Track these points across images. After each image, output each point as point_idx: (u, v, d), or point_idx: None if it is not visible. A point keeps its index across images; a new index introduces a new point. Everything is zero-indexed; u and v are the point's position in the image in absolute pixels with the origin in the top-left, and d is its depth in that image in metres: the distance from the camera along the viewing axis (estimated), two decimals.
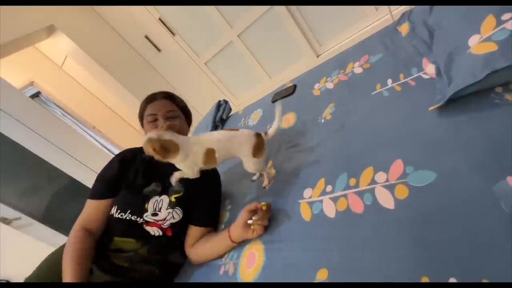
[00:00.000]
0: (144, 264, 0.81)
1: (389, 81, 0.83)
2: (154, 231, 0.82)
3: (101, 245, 0.81)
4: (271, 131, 0.84)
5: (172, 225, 0.84)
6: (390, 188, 0.56)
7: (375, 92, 0.85)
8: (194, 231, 0.87)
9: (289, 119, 1.11)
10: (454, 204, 0.46)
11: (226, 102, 1.78)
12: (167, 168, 0.82)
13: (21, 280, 0.85)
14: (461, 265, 0.40)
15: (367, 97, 0.86)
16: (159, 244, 0.83)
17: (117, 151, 3.43)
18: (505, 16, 0.55)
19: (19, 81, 3.14)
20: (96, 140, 3.41)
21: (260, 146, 0.81)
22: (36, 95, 3.27)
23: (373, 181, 0.60)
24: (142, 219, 0.81)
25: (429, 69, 0.73)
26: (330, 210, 0.63)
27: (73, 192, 2.32)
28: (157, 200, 0.83)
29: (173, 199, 0.85)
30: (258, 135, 0.82)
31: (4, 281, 1.60)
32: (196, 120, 1.93)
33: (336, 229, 0.58)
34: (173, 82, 2.90)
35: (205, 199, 0.90)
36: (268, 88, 2.35)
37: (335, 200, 0.63)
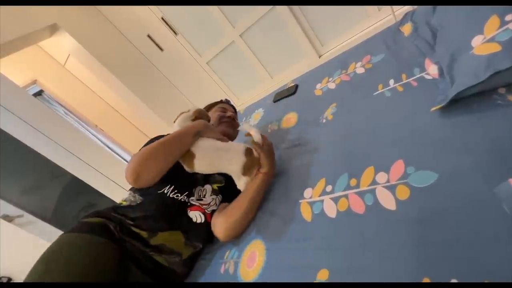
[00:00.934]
0: (183, 267, 0.81)
1: (391, 81, 0.83)
2: (196, 216, 0.82)
3: (141, 241, 0.75)
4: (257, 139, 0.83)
5: (212, 212, 0.86)
6: (391, 188, 0.55)
7: (377, 92, 0.85)
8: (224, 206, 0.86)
9: (291, 119, 1.11)
10: (455, 205, 0.46)
11: (228, 101, 1.78)
12: None
13: (23, 277, 0.83)
14: (463, 266, 0.39)
15: (369, 98, 0.86)
16: (197, 233, 0.82)
17: (119, 150, 3.45)
18: (509, 17, 0.54)
19: (22, 79, 3.16)
20: (98, 139, 3.42)
21: (251, 165, 0.79)
22: (39, 94, 3.29)
23: (374, 182, 0.59)
24: (189, 202, 0.83)
25: (432, 70, 0.72)
26: (331, 210, 0.63)
27: (75, 190, 2.33)
28: (200, 189, 0.86)
29: (215, 187, 0.89)
30: (249, 153, 0.80)
31: (6, 278, 1.61)
32: None
33: (337, 229, 0.58)
34: (175, 81, 2.91)
35: None
36: (270, 88, 2.35)
37: (336, 200, 0.63)
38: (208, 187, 0.88)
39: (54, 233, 2.08)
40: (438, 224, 0.45)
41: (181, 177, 0.83)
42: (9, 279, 1.63)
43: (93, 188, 2.31)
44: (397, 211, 0.52)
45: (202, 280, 0.79)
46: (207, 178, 0.90)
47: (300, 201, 0.72)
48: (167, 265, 0.77)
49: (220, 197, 0.89)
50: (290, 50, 2.26)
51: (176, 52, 2.61)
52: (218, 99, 1.78)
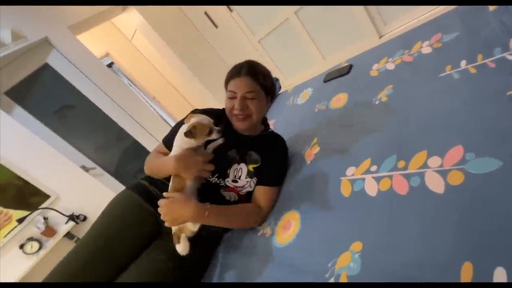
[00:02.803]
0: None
1: (463, 62, 0.75)
2: (230, 196, 0.86)
3: None
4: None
5: (247, 193, 0.88)
6: (443, 173, 0.53)
7: (443, 74, 0.77)
8: (263, 191, 0.86)
9: (340, 99, 1.09)
10: None
11: (276, 79, 1.79)
12: (244, 136, 0.90)
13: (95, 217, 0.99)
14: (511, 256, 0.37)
15: (432, 80, 0.79)
16: None
17: (171, 121, 3.77)
18: None
19: (97, 52, 3.60)
20: (154, 109, 3.78)
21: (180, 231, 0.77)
22: (109, 65, 3.73)
23: (425, 165, 0.57)
24: (223, 183, 0.84)
25: None
26: (371, 188, 0.62)
27: (135, 152, 2.66)
28: (236, 168, 0.85)
29: (251, 169, 0.86)
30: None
31: (83, 216, 1.97)
32: None
33: (376, 207, 0.58)
34: (226, 58, 3.00)
35: (270, 161, 0.90)
36: (321, 70, 2.27)
37: (378, 179, 0.63)
38: (243, 167, 0.86)
39: (117, 186, 2.44)
40: (490, 213, 0.43)
41: (215, 159, 0.81)
42: (85, 217, 2.00)
43: (150, 152, 2.61)
44: (445, 195, 0.49)
45: (240, 240, 0.86)
46: (243, 157, 0.86)
47: (341, 178, 0.73)
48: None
49: (255, 179, 0.86)
50: (348, 29, 2.11)
51: (229, 29, 2.67)
52: None
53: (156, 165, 0.86)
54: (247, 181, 0.86)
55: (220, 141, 0.85)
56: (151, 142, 2.65)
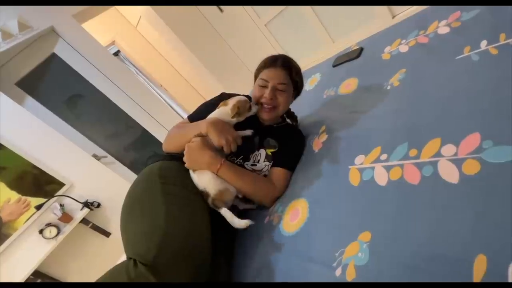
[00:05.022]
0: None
1: (483, 42, 0.70)
2: None
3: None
4: None
5: (264, 176, 0.89)
6: (458, 162, 0.50)
7: (461, 56, 0.73)
8: (276, 171, 0.88)
9: (350, 85, 1.05)
10: None
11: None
12: (265, 125, 0.94)
13: (108, 203, 1.01)
14: None
15: (449, 62, 0.74)
16: None
17: (179, 109, 3.78)
18: None
19: (103, 40, 3.58)
20: (162, 97, 3.78)
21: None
22: (116, 54, 3.72)
23: (438, 154, 0.55)
24: (244, 167, 0.89)
25: None
26: (381, 178, 0.61)
27: (144, 140, 2.70)
28: (256, 153, 0.90)
29: (269, 153, 0.90)
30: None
31: (97, 203, 2.04)
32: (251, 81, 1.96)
33: (386, 197, 0.57)
34: (232, 44, 2.93)
35: (292, 149, 0.93)
36: (330, 53, 2.19)
37: (388, 168, 0.61)
38: (262, 152, 0.90)
39: (128, 174, 2.50)
40: (507, 204, 0.41)
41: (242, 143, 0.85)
42: (99, 204, 2.07)
43: (158, 140, 2.65)
44: (459, 185, 0.47)
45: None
46: (261, 143, 0.91)
47: (349, 167, 0.71)
48: None
49: (271, 163, 0.90)
50: (359, 9, 2.01)
51: (235, 13, 2.59)
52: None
53: (183, 131, 0.89)
54: (265, 165, 0.89)
55: (248, 132, 0.90)
56: (159, 130, 2.67)
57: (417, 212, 0.50)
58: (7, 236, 1.79)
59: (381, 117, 0.78)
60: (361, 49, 1.20)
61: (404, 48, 0.96)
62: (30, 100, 2.19)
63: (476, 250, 0.40)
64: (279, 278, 0.64)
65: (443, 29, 0.86)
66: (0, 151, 1.84)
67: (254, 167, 0.89)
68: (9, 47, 1.98)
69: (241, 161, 0.89)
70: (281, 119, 1.03)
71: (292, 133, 0.99)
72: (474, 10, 0.81)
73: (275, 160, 0.90)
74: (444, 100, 0.66)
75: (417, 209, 0.50)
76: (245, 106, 0.86)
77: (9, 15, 2.00)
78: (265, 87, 0.89)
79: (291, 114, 1.07)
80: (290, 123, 1.06)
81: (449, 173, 0.50)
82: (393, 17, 1.92)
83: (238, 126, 0.88)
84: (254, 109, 0.88)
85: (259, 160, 0.89)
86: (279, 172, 0.88)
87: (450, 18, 0.87)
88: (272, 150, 0.91)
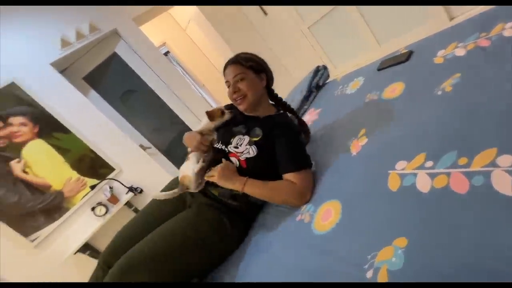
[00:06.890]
0: (232, 200, 0.98)
1: None
2: (234, 161, 0.99)
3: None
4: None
5: (247, 159, 0.95)
6: None
7: None
8: (289, 177, 0.90)
9: (395, 89, 1.00)
10: None
11: (325, 67, 1.72)
12: (253, 117, 1.07)
13: (152, 188, 1.23)
14: None
15: (510, 67, 0.68)
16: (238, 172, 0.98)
17: None
18: None
19: (156, 41, 3.90)
20: (203, 96, 3.98)
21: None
22: (166, 54, 4.02)
23: (492, 164, 0.51)
24: (227, 149, 1.01)
25: None
26: (424, 185, 0.58)
27: None
28: (240, 137, 1.01)
29: (252, 140, 0.99)
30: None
31: (140, 189, 2.24)
32: (291, 85, 1.97)
33: (427, 205, 0.54)
34: (274, 47, 2.97)
35: (282, 147, 0.94)
36: (375, 58, 2.10)
37: (433, 176, 0.58)
38: (246, 138, 0.99)
39: (169, 165, 2.69)
40: None
41: (221, 131, 1.08)
42: (141, 190, 2.27)
43: None
44: None
45: (276, 223, 0.89)
46: (248, 131, 1.01)
47: (389, 171, 0.69)
48: (219, 196, 0.98)
49: (254, 147, 0.95)
50: (412, 10, 1.89)
51: (279, 16, 2.63)
52: (314, 66, 1.74)
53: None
54: (246, 148, 0.97)
55: (226, 117, 1.09)
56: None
57: (463, 223, 0.47)
58: (66, 209, 2.07)
59: (427, 124, 0.74)
60: (411, 53, 1.14)
61: (460, 52, 0.89)
62: (93, 93, 2.49)
63: None
64: (306, 276, 0.64)
65: (510, 31, 0.79)
66: (67, 136, 2.13)
67: (236, 150, 0.99)
68: (80, 46, 2.29)
69: (220, 145, 1.03)
70: (276, 109, 1.11)
71: (277, 124, 1.00)
72: None
73: (281, 165, 0.93)
74: (502, 109, 0.60)
75: (463, 220, 0.47)
76: (215, 112, 1.09)
77: (83, 19, 2.31)
78: (229, 86, 1.04)
79: (278, 101, 1.15)
80: (282, 112, 1.12)
81: (504, 185, 0.46)
82: (451, 19, 1.78)
83: (231, 123, 1.08)
84: (228, 115, 1.09)
85: (241, 144, 0.98)
86: (294, 177, 0.89)
87: None
88: (255, 139, 0.99)
